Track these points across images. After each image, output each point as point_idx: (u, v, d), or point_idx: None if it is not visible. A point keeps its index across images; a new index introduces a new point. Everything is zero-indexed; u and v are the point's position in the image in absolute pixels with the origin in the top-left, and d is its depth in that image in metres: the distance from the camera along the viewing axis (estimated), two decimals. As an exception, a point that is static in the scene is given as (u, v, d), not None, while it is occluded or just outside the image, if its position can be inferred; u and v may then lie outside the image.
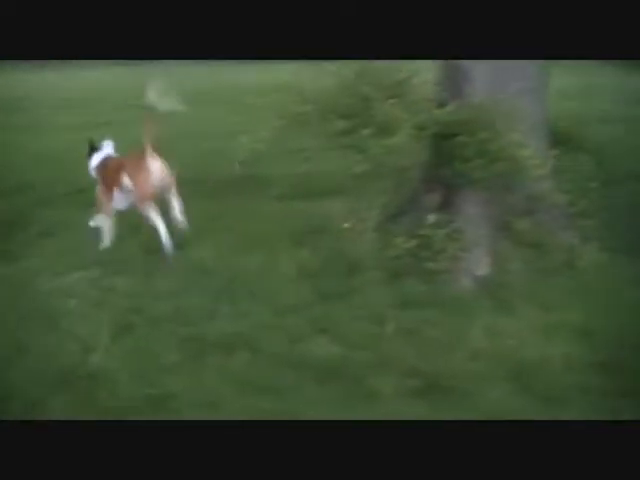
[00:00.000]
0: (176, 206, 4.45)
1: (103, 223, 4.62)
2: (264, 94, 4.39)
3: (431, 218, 3.95)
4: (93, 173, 4.76)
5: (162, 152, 4.37)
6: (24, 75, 16.69)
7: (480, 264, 3.96)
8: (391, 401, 2.81)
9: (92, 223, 4.68)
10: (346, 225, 4.16)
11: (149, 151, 4.27)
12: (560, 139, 4.70)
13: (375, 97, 3.92)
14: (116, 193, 4.52)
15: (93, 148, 4.80)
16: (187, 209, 4.50)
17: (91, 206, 4.76)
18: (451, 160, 3.94)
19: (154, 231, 4.35)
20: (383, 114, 3.85)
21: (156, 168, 4.30)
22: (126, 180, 4.40)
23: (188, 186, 4.77)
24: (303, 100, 3.95)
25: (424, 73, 4.26)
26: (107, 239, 4.61)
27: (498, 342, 3.23)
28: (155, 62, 8.83)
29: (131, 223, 4.68)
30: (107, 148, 4.81)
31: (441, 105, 4.04)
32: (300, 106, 3.93)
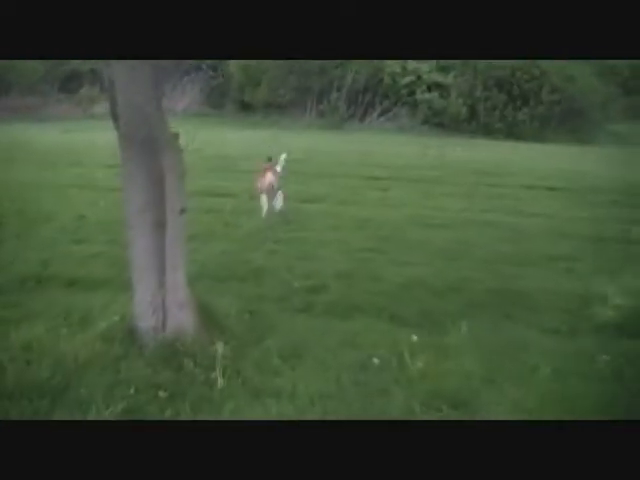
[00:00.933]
0: (279, 197, 7.61)
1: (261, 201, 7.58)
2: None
3: None
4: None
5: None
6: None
7: None
8: None
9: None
10: None
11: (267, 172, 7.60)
12: None
13: None
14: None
15: (269, 158, 7.88)
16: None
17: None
18: None
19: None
20: None
21: (269, 176, 7.53)
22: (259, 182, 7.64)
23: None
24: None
25: None
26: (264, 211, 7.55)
27: None
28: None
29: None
30: (277, 161, 7.86)
31: None
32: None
